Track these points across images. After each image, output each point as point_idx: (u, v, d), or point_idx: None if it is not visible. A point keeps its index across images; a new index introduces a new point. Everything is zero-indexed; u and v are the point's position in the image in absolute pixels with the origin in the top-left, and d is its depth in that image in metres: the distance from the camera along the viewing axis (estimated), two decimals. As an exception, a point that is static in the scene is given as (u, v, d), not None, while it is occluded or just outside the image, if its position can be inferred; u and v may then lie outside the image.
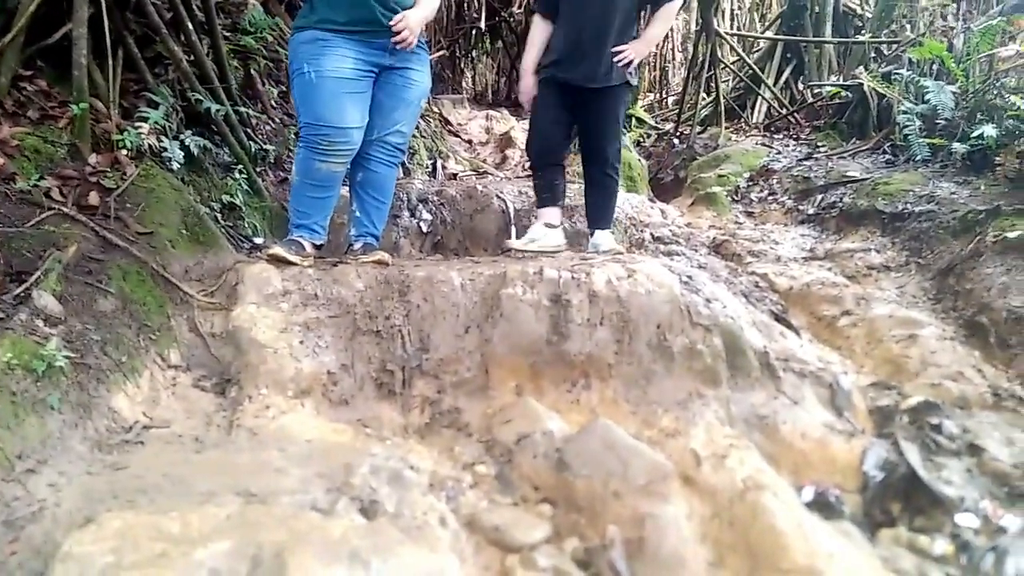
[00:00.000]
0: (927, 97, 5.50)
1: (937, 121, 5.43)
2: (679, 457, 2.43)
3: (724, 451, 2.43)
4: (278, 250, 2.93)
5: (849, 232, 4.90)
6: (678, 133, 8.05)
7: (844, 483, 2.53)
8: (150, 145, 3.15)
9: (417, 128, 6.42)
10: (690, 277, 3.15)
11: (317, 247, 3.15)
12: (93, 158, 2.96)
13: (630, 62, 3.53)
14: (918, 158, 5.35)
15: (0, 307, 2.16)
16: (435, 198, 4.38)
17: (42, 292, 2.25)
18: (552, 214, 3.79)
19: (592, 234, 3.82)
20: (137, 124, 3.17)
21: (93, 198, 2.76)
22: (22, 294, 2.24)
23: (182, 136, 3.43)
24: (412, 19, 3.00)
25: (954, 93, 5.45)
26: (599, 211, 3.82)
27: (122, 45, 3.40)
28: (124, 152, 3.04)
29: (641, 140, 8.34)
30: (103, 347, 2.27)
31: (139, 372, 2.35)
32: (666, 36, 10.33)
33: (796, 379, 2.91)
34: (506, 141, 9.21)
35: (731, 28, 10.41)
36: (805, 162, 6.21)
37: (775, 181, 6.08)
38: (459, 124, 9.96)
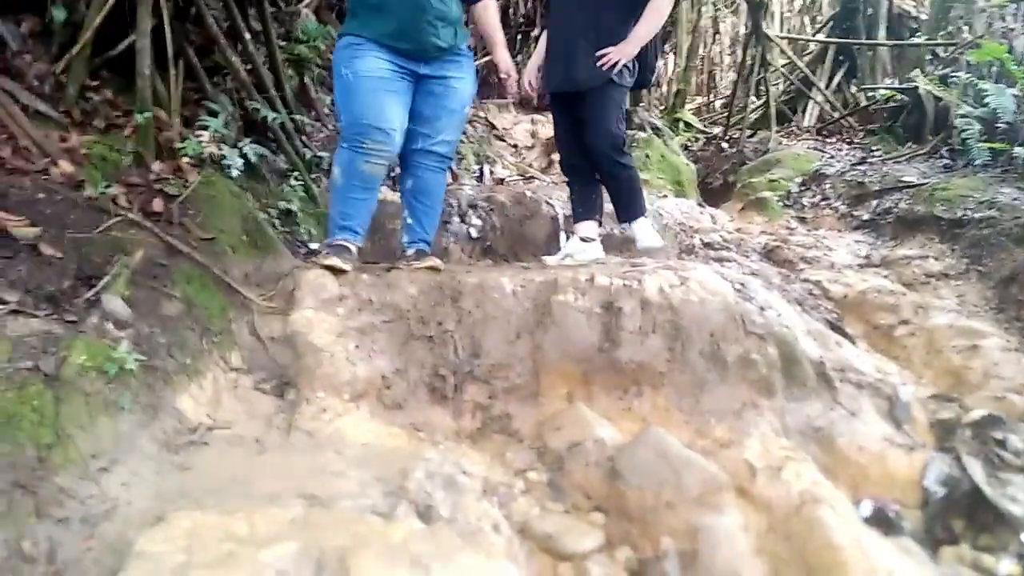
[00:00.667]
0: (986, 100, 5.37)
1: (997, 125, 5.29)
2: (733, 468, 2.40)
3: (780, 463, 2.40)
4: (333, 260, 2.93)
5: (906, 238, 4.79)
6: (727, 137, 7.96)
7: (904, 498, 2.47)
8: (210, 153, 3.24)
9: (464, 133, 6.47)
10: (743, 284, 3.12)
11: (358, 249, 3.16)
12: (157, 166, 3.04)
13: (616, 63, 3.44)
14: (977, 163, 5.22)
15: (72, 311, 2.24)
16: (485, 204, 4.41)
17: (111, 296, 2.33)
18: (588, 228, 3.77)
19: (628, 228, 3.81)
20: (198, 132, 3.26)
21: (157, 204, 2.85)
22: (92, 298, 2.31)
23: (240, 144, 3.51)
24: (503, 58, 3.40)
25: (1015, 96, 5.30)
26: (621, 202, 3.74)
27: (183, 56, 3.50)
28: (186, 160, 3.12)
29: (689, 144, 8.28)
30: (169, 350, 2.34)
31: (203, 374, 2.41)
32: (714, 39, 10.23)
33: (853, 390, 2.86)
34: (552, 145, 9.20)
35: (781, 31, 10.26)
36: (859, 167, 6.10)
37: (828, 186, 5.99)
38: (504, 128, 10.00)
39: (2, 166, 2.64)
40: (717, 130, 8.51)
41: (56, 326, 2.13)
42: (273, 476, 2.03)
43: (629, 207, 3.73)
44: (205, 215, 2.96)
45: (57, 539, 1.63)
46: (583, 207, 3.77)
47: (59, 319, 2.18)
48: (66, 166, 2.75)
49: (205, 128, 3.30)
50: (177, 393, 2.27)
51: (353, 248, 3.09)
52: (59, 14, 3.16)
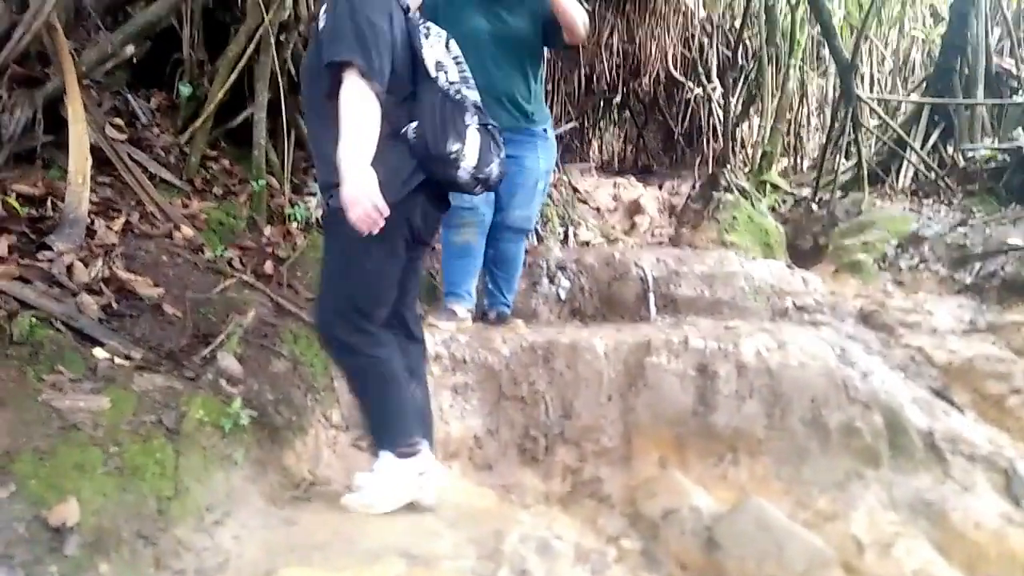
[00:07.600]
0: (1098, 159, 5.13)
1: (1111, 185, 5.03)
2: (839, 542, 2.31)
3: (889, 539, 2.29)
4: (442, 324, 3.15)
5: (1014, 303, 4.57)
6: (816, 199, 7.81)
7: (1027, 581, 2.32)
8: (316, 218, 3.42)
9: (550, 196, 6.56)
10: (844, 349, 3.04)
11: (469, 312, 3.30)
12: (268, 230, 3.24)
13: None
14: (1091, 224, 4.96)
15: (191, 367, 2.37)
16: (573, 266, 4.44)
17: (226, 354, 2.46)
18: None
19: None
20: (306, 199, 3.46)
21: (268, 267, 3.02)
22: (209, 355, 2.45)
23: (343, 209, 3.69)
24: None
25: None
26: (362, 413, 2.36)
27: (294, 126, 3.72)
28: (295, 224, 3.31)
29: (776, 206, 8.15)
30: (276, 406, 2.44)
31: (306, 431, 2.50)
32: (802, 101, 10.15)
33: (966, 463, 2.71)
34: (634, 208, 9.26)
35: (871, 92, 10.09)
36: (960, 228, 5.86)
37: (926, 248, 5.77)
38: (587, 192, 10.12)
39: (131, 230, 2.85)
40: (806, 191, 8.35)
41: (176, 382, 2.26)
42: (372, 533, 2.07)
43: (369, 426, 2.32)
44: (311, 276, 3.11)
45: (175, 589, 1.70)
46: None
47: (179, 375, 2.31)
48: (187, 231, 2.96)
49: (312, 194, 3.50)
50: (283, 449, 2.36)
51: (460, 310, 3.29)
52: (185, 90, 3.44)
